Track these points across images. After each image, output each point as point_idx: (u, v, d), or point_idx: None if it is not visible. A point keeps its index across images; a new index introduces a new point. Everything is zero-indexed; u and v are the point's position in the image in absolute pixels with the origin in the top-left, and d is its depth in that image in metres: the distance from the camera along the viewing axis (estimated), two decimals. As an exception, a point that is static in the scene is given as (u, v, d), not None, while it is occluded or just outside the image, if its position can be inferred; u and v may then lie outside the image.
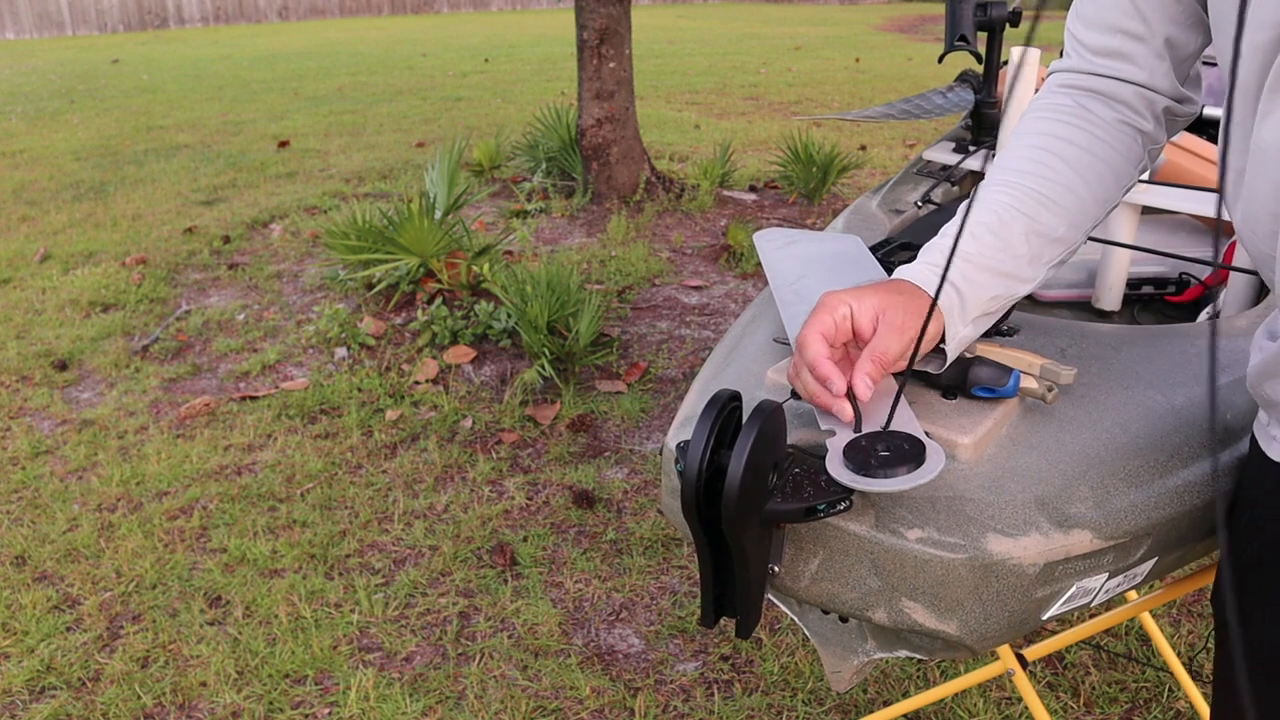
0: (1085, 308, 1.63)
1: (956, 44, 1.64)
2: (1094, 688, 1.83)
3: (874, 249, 1.24)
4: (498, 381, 3.05)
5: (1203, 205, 1.46)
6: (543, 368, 2.94)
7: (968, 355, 0.86)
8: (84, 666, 1.92)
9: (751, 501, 0.70)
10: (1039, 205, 0.85)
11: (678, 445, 0.84)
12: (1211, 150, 1.73)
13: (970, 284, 0.81)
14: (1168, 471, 0.82)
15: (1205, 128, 2.17)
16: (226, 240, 4.48)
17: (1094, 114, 0.88)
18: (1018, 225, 0.84)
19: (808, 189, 5.00)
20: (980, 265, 0.82)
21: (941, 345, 0.82)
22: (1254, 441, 0.80)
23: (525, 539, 2.29)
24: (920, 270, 0.83)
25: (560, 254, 4.16)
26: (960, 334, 0.82)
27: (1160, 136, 0.90)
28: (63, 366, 3.21)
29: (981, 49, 1.73)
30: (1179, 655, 1.89)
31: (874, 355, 0.76)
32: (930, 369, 0.84)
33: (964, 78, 1.89)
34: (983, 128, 1.81)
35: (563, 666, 1.90)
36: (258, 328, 3.50)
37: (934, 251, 0.85)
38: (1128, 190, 0.91)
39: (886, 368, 0.76)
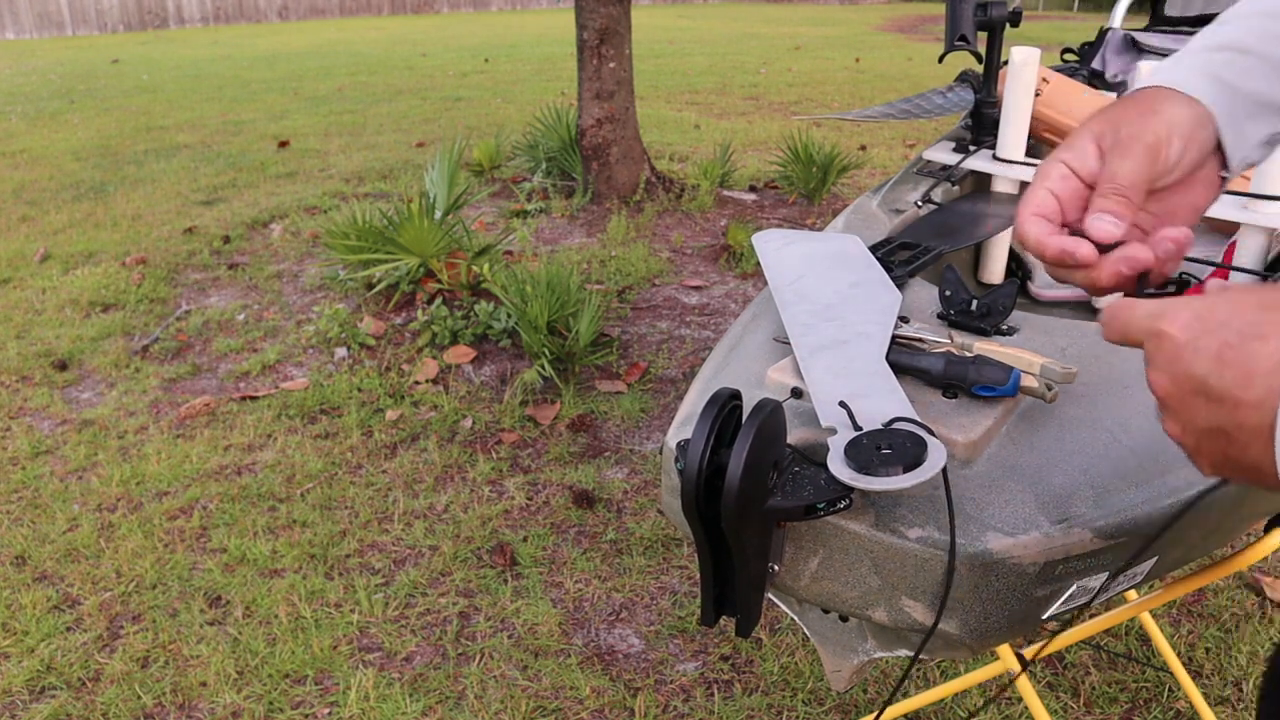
0: (1085, 308, 1.63)
1: (956, 44, 1.64)
2: (1094, 688, 1.83)
3: (874, 249, 1.24)
4: (498, 381, 3.05)
5: (1203, 205, 1.46)
6: (543, 368, 2.94)
7: (968, 354, 0.86)
8: (84, 666, 1.92)
9: (751, 500, 0.70)
10: None
11: (678, 444, 0.84)
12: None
13: (1241, 73, 0.61)
14: (1168, 470, 0.82)
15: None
16: (226, 240, 4.48)
17: None
18: None
19: (808, 189, 5.00)
20: (1256, 54, 0.61)
21: (1223, 171, 0.61)
22: None
23: (525, 539, 2.29)
24: (1172, 71, 0.62)
25: (560, 254, 4.16)
26: (1245, 137, 0.60)
27: None
28: (63, 366, 3.21)
29: (981, 49, 1.73)
30: (1179, 655, 1.89)
31: (1106, 188, 0.59)
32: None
33: (964, 78, 1.89)
34: (983, 128, 1.82)
35: (563, 666, 1.90)
36: (258, 328, 3.50)
37: (1188, 53, 0.64)
38: None
39: (1129, 195, 0.59)
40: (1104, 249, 0.59)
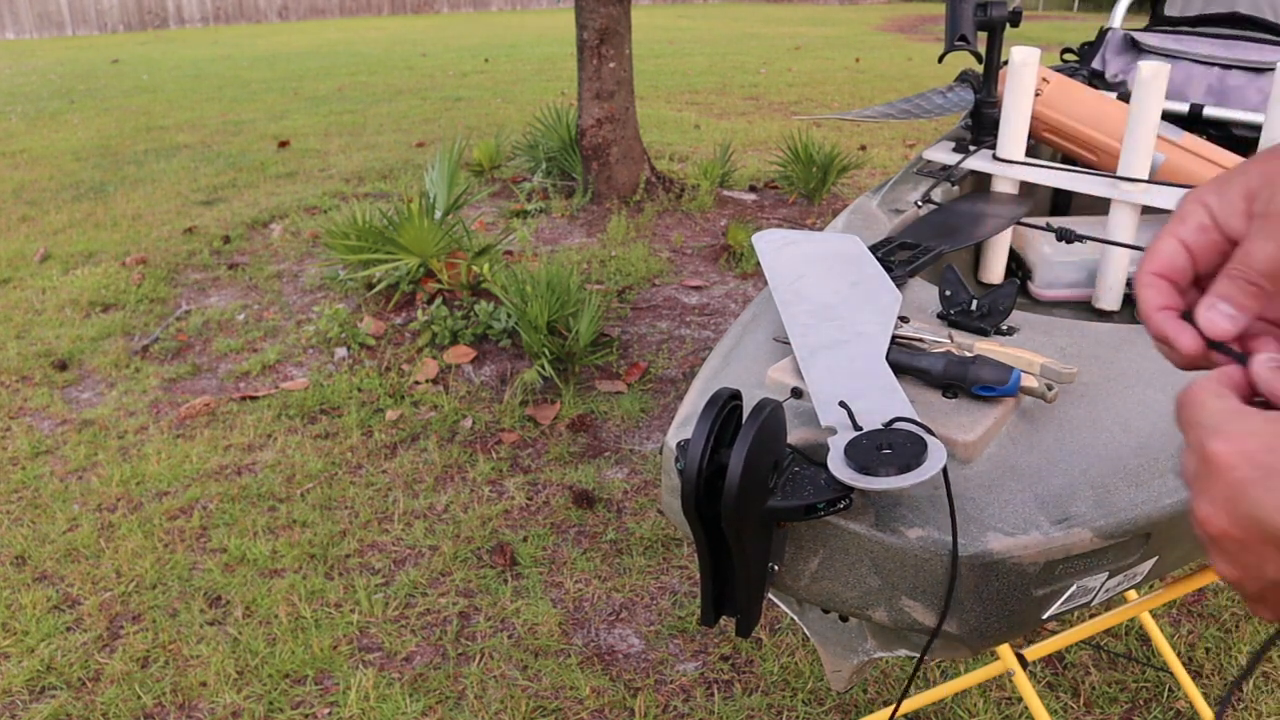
0: (1085, 308, 1.63)
1: (956, 44, 1.64)
2: (1094, 688, 1.83)
3: (874, 249, 1.24)
4: (498, 381, 3.05)
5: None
6: (543, 368, 2.94)
7: (968, 354, 0.86)
8: (84, 666, 1.92)
9: (751, 499, 0.70)
10: None
11: (678, 444, 0.84)
12: (1211, 150, 1.73)
13: None
14: (1168, 470, 0.82)
15: (1206, 128, 2.17)
16: (226, 240, 4.48)
17: None
18: None
19: (808, 189, 5.00)
20: None
21: None
22: None
23: (525, 539, 2.29)
24: None
25: (560, 254, 4.16)
26: None
27: None
28: (63, 366, 3.21)
29: (981, 49, 1.73)
30: (1179, 655, 1.88)
31: (1235, 270, 0.47)
32: None
33: (964, 78, 1.89)
34: (983, 128, 1.82)
35: (563, 666, 1.90)
36: (258, 328, 3.50)
37: None
38: None
39: (1262, 284, 0.47)
40: (1214, 343, 0.48)
